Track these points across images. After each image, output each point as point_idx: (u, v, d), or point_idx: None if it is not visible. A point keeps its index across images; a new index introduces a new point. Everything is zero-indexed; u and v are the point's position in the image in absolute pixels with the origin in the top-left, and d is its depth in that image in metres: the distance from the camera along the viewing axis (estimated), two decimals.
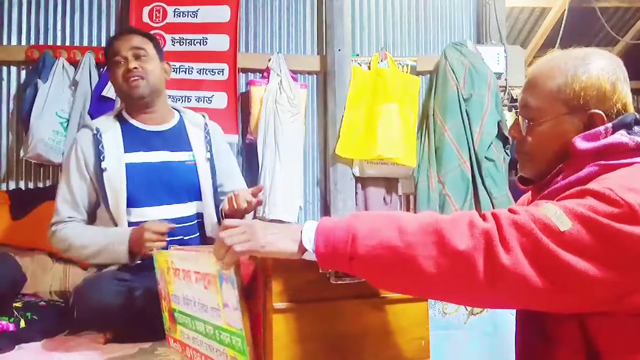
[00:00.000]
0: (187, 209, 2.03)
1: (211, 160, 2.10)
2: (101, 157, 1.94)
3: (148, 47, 2.03)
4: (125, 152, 1.97)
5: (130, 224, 1.93)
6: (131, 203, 1.94)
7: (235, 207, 1.91)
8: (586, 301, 0.92)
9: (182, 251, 1.38)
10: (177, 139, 2.09)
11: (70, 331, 1.95)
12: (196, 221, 2.05)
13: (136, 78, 1.97)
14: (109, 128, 2.01)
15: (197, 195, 2.05)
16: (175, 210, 2.01)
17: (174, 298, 1.38)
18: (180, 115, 2.16)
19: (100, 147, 1.95)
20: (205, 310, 1.20)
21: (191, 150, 2.08)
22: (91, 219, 2.02)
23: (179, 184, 2.03)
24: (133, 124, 2.05)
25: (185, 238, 1.99)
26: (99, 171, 1.93)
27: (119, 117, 2.07)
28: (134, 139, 2.01)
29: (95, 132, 1.98)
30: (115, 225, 1.93)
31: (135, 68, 1.97)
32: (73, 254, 1.98)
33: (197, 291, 1.21)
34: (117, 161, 1.95)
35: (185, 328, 1.36)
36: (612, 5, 4.95)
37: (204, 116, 2.20)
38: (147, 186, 1.97)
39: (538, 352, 1.11)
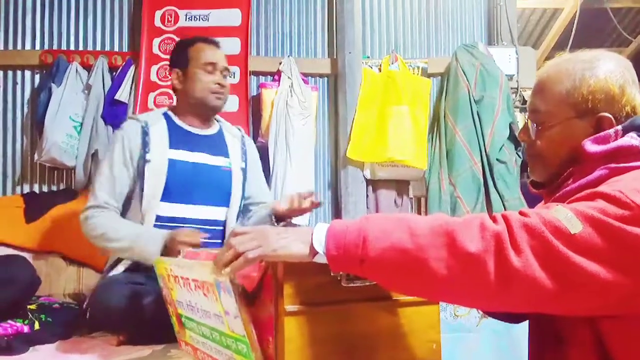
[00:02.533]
0: (215, 212, 2.11)
1: (244, 170, 2.20)
2: (146, 149, 2.01)
3: (228, 66, 2.17)
4: (169, 147, 2.05)
5: (159, 217, 2.00)
6: (165, 197, 2.01)
7: (298, 205, 1.97)
8: (597, 304, 0.92)
9: (179, 259, 1.38)
10: (217, 144, 2.18)
11: (84, 333, 1.97)
12: (222, 228, 2.10)
13: (222, 94, 2.11)
14: (156, 122, 2.09)
15: (227, 202, 2.12)
16: (205, 211, 2.08)
17: (178, 304, 1.39)
18: (220, 125, 2.26)
19: (146, 139, 2.03)
20: (208, 317, 1.20)
21: (228, 157, 2.17)
22: (123, 209, 2.06)
23: (213, 187, 2.11)
24: (178, 124, 2.14)
25: (209, 240, 2.02)
26: (143, 162, 2.00)
27: (165, 116, 2.15)
28: (178, 137, 2.09)
29: (143, 124, 2.06)
30: (142, 216, 1.98)
31: (224, 86, 2.12)
32: (101, 243, 1.98)
33: (198, 298, 1.21)
34: (161, 155, 2.02)
35: (193, 333, 1.36)
36: (625, 5, 4.92)
37: (239, 129, 2.31)
38: (183, 183, 2.04)
39: (550, 355, 1.11)
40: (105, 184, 2.01)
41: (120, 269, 1.96)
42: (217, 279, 1.06)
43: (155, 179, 2.00)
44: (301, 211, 2.00)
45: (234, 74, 3.02)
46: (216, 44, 2.18)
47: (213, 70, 2.09)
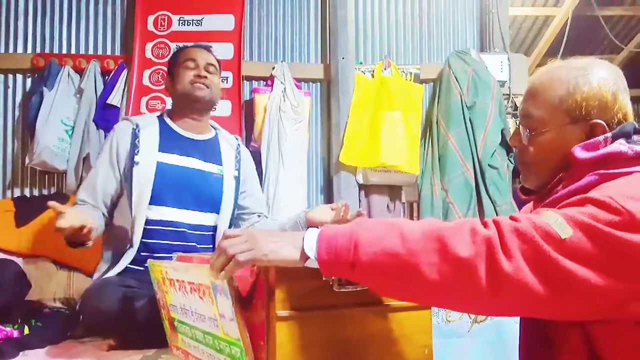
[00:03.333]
0: (205, 218, 2.10)
1: (237, 178, 2.20)
2: (135, 151, 2.02)
3: (216, 65, 2.19)
4: (159, 150, 2.05)
5: (149, 221, 1.99)
6: (154, 200, 2.00)
7: (344, 216, 1.95)
8: (587, 308, 0.92)
9: (175, 262, 1.38)
10: (210, 151, 2.18)
11: (74, 338, 1.95)
12: (212, 233, 2.10)
13: (203, 84, 2.11)
14: (148, 125, 2.10)
15: (217, 208, 2.12)
16: (194, 216, 2.07)
17: (172, 308, 1.38)
18: (216, 132, 2.26)
19: (136, 141, 2.04)
20: (203, 320, 1.20)
21: (221, 164, 2.17)
22: (111, 210, 2.07)
23: (204, 193, 2.10)
24: (172, 127, 2.15)
25: (198, 245, 2.05)
26: (131, 163, 2.00)
27: (160, 119, 2.16)
28: (170, 141, 2.10)
29: (134, 126, 2.07)
30: (134, 219, 1.97)
31: (206, 77, 2.12)
32: None
33: (193, 301, 1.21)
34: (150, 157, 2.02)
35: (185, 337, 1.35)
36: (616, 13, 4.96)
37: (237, 138, 2.32)
38: (172, 187, 2.03)
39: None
40: (86, 184, 2.06)
41: (112, 272, 1.95)
42: (214, 282, 1.05)
43: (143, 182, 1.99)
44: (345, 222, 1.99)
45: (227, 79, 3.02)
46: (201, 47, 2.23)
47: (194, 67, 2.13)
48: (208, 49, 2.24)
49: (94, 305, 1.76)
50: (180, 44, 2.38)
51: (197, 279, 1.15)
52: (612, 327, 0.96)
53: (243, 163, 2.26)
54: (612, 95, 1.09)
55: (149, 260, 1.46)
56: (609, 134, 1.07)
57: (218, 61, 2.24)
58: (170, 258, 1.67)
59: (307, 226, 2.04)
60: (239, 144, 2.29)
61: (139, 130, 2.06)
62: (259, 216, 2.30)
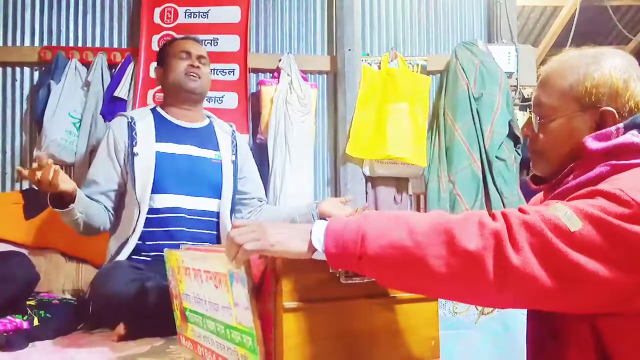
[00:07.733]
0: (207, 204, 2.15)
1: (235, 163, 2.25)
2: (134, 143, 2.08)
3: (206, 57, 2.26)
4: (156, 141, 2.11)
5: (152, 209, 2.05)
6: (156, 189, 2.06)
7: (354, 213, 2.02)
8: (596, 302, 0.92)
9: (192, 250, 1.39)
10: (206, 137, 2.24)
11: (83, 328, 1.97)
12: (215, 220, 2.16)
13: (196, 75, 2.17)
14: (143, 118, 2.16)
15: (218, 193, 2.17)
16: (197, 202, 2.12)
17: (185, 297, 1.39)
18: (211, 120, 2.32)
19: (133, 133, 2.10)
20: (216, 309, 1.20)
21: (218, 150, 2.22)
22: (116, 205, 2.12)
23: (204, 179, 2.15)
24: (166, 117, 2.21)
25: (203, 231, 2.10)
26: (131, 155, 2.06)
27: (153, 111, 2.23)
28: (165, 131, 2.15)
29: (129, 120, 2.12)
30: (139, 208, 2.02)
31: (198, 67, 2.18)
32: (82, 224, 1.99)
33: (208, 290, 1.22)
34: (148, 148, 2.08)
35: (196, 327, 1.36)
36: (624, 3, 4.92)
37: (231, 126, 2.38)
38: (173, 175, 2.09)
39: (548, 352, 1.11)
40: (87, 179, 2.11)
41: (121, 257, 1.98)
42: (232, 270, 1.06)
43: (145, 172, 2.04)
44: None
45: (233, 71, 3.02)
46: (193, 39, 2.30)
47: (187, 57, 2.19)
48: (198, 40, 2.32)
49: (105, 287, 1.78)
50: None
51: (214, 268, 1.16)
52: (620, 321, 0.96)
53: (240, 149, 2.32)
54: (623, 82, 1.08)
55: (165, 249, 1.47)
56: (620, 125, 1.06)
57: (207, 54, 2.30)
58: (175, 246, 1.70)
59: (320, 218, 2.06)
60: (233, 131, 2.35)
61: (134, 123, 2.11)
62: (260, 201, 2.36)
